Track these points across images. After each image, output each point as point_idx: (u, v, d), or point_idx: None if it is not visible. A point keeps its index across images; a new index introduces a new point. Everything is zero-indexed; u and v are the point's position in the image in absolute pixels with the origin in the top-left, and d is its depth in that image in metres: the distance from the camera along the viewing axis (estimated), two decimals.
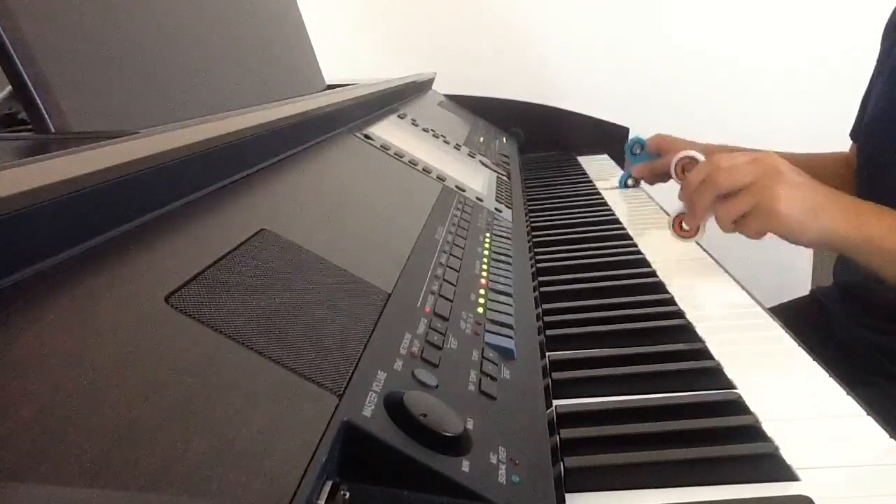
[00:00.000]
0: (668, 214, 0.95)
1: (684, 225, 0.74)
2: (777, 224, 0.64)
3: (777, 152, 1.07)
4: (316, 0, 1.30)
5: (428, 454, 0.29)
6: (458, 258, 0.58)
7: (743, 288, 0.68)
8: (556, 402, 0.46)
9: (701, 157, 0.78)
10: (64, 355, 0.25)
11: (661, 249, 0.78)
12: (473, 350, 0.43)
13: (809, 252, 1.42)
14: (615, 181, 1.22)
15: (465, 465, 0.30)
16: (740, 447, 0.39)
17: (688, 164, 0.83)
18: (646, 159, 1.13)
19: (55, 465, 0.20)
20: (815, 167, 1.04)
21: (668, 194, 1.13)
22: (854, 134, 0.98)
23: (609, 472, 0.38)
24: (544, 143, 1.54)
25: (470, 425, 0.34)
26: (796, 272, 1.50)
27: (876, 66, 0.93)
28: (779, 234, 0.66)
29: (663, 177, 1.14)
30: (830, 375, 0.50)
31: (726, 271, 0.72)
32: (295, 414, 0.27)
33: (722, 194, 0.66)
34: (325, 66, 1.03)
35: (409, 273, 0.48)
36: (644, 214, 1.00)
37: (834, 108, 1.62)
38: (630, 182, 1.16)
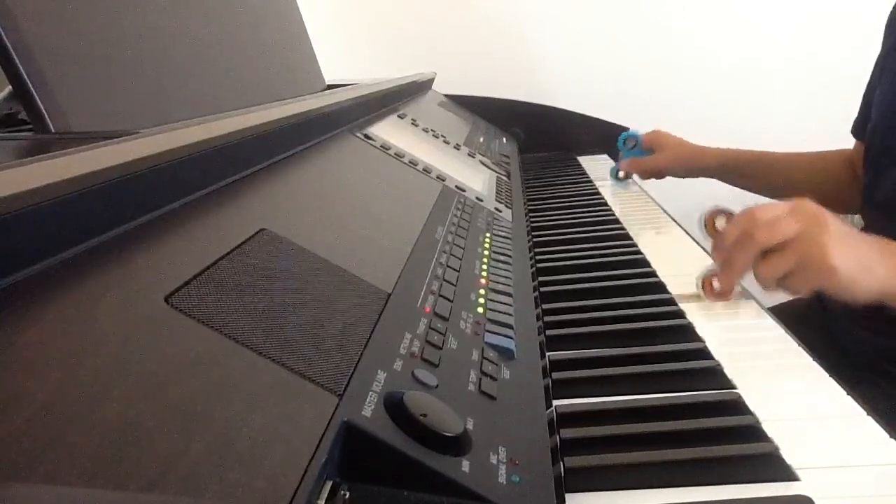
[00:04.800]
0: (666, 213, 0.95)
1: (716, 285, 0.65)
2: (830, 280, 0.57)
3: (782, 153, 1.07)
4: (316, 0, 1.30)
5: (428, 454, 0.29)
6: (458, 258, 0.57)
7: (742, 287, 0.68)
8: (556, 402, 0.46)
9: (733, 210, 0.67)
10: (64, 355, 0.25)
11: (660, 250, 0.78)
12: (473, 350, 0.43)
13: None
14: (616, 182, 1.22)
15: (465, 465, 0.30)
16: (740, 447, 0.39)
17: (719, 217, 0.71)
18: (637, 154, 1.13)
19: (55, 465, 0.20)
20: (820, 166, 1.04)
21: (664, 191, 1.13)
22: (856, 131, 0.97)
23: (609, 472, 0.38)
24: (544, 143, 1.54)
25: (470, 425, 0.34)
26: None
27: (877, 63, 0.92)
28: (830, 290, 0.59)
29: (653, 174, 1.15)
30: (830, 375, 0.50)
31: (688, 233, 0.72)
32: (295, 414, 0.27)
33: (763, 250, 0.59)
34: (325, 66, 1.03)
35: (409, 273, 0.48)
36: (638, 207, 1.00)
37: (833, 105, 1.62)
38: (620, 175, 1.17)
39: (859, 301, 0.59)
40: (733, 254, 0.61)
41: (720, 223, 0.68)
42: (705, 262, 0.76)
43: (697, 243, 0.86)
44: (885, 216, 0.84)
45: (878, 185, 0.85)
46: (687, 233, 0.87)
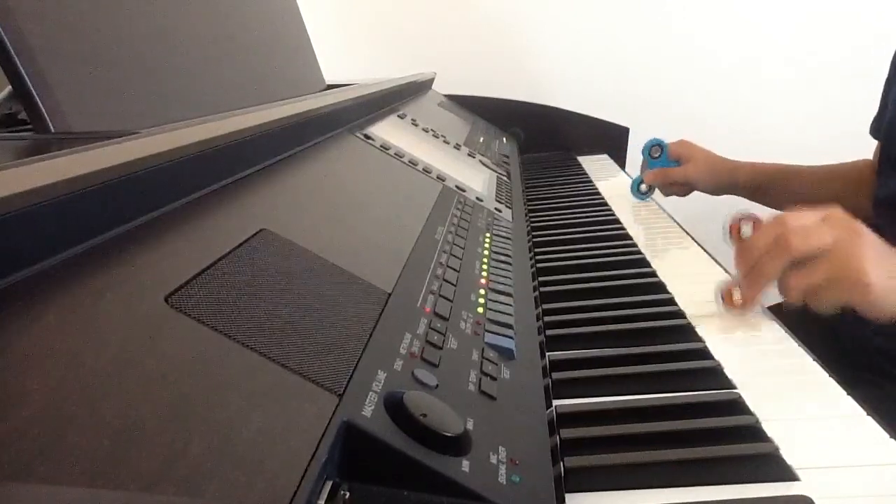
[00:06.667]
0: (678, 225, 0.92)
1: (736, 295, 0.60)
2: (863, 297, 0.54)
3: (803, 166, 1.04)
4: (316, 0, 1.30)
5: (428, 454, 0.29)
6: (458, 258, 0.57)
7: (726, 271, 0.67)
8: (556, 402, 0.46)
9: (759, 216, 0.63)
10: (64, 355, 0.25)
11: (659, 250, 0.78)
12: (473, 350, 0.43)
13: None
14: (616, 182, 1.21)
15: (465, 465, 0.30)
16: (740, 447, 0.39)
17: (747, 222, 0.64)
18: (664, 165, 1.04)
19: (55, 465, 0.20)
20: (843, 178, 1.02)
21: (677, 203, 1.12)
22: (874, 131, 0.97)
23: (609, 472, 0.38)
24: (544, 143, 1.54)
25: (470, 425, 0.34)
26: None
27: (893, 62, 0.91)
28: (861, 306, 0.55)
29: (678, 187, 1.06)
30: (830, 375, 0.50)
31: (725, 270, 0.72)
32: (295, 414, 0.27)
33: (793, 261, 0.56)
34: (325, 66, 1.03)
35: (409, 273, 0.48)
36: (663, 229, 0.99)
37: (834, 105, 1.62)
38: (643, 188, 1.06)
39: (887, 318, 0.55)
40: (763, 262, 0.57)
41: (746, 230, 0.63)
42: (700, 255, 0.75)
43: (691, 237, 0.85)
44: (890, 213, 0.84)
45: (888, 182, 0.85)
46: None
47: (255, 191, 0.49)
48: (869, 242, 0.55)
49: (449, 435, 0.31)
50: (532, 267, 0.74)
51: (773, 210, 1.06)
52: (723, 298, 0.61)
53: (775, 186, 1.04)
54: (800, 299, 0.56)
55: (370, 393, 0.31)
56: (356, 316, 0.38)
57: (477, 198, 0.83)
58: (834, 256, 0.55)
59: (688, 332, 0.56)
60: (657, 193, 1.09)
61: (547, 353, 0.52)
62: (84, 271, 0.30)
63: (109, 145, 0.36)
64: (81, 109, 0.46)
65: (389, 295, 0.43)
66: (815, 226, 0.56)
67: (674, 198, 1.10)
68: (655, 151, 1.05)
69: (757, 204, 1.06)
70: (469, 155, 1.07)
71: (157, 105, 0.54)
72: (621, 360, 0.51)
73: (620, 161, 1.48)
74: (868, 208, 0.91)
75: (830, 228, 0.55)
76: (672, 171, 1.04)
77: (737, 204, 1.07)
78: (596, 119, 1.52)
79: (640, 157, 1.09)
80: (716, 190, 1.07)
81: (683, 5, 1.68)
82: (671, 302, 0.62)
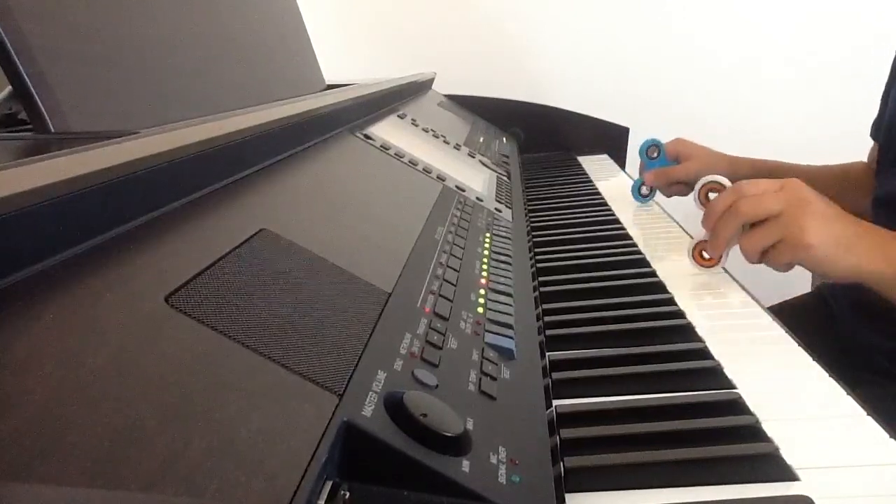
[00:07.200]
0: (687, 234, 0.92)
1: (705, 254, 0.71)
2: (806, 257, 0.62)
3: (804, 165, 1.04)
4: (316, 0, 1.30)
5: (428, 454, 0.29)
6: (458, 258, 0.57)
7: (742, 287, 0.68)
8: (556, 402, 0.46)
9: (726, 182, 0.73)
10: (64, 355, 0.25)
11: (658, 250, 0.78)
12: (473, 350, 0.43)
13: None
14: (616, 182, 1.20)
15: (465, 465, 0.30)
16: (740, 447, 0.39)
17: (713, 189, 0.75)
18: (663, 164, 1.03)
19: (55, 465, 0.20)
20: (843, 178, 1.02)
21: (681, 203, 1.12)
22: (874, 132, 0.97)
23: (609, 472, 0.38)
24: (544, 143, 1.54)
25: (470, 425, 0.34)
26: (796, 268, 1.50)
27: (894, 64, 0.91)
28: (808, 266, 0.64)
29: (680, 187, 1.05)
30: (830, 375, 0.50)
31: (724, 270, 0.72)
32: (295, 414, 0.27)
33: (748, 223, 0.64)
34: (325, 66, 1.03)
35: (409, 273, 0.48)
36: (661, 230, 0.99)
37: (834, 105, 1.62)
38: (644, 191, 1.05)
39: (837, 278, 0.64)
40: (720, 224, 0.65)
41: (713, 195, 0.72)
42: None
43: (690, 235, 0.85)
44: (889, 213, 0.84)
45: (887, 183, 0.85)
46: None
47: (255, 191, 0.49)
48: (815, 209, 0.62)
49: (449, 435, 0.31)
50: (532, 267, 0.74)
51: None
52: (693, 257, 0.71)
53: None
54: (755, 259, 0.65)
55: (370, 393, 0.31)
56: (356, 316, 0.38)
57: (477, 198, 0.83)
58: (781, 221, 0.62)
59: (688, 332, 0.56)
60: (657, 194, 1.08)
61: (547, 353, 0.52)
62: (84, 271, 0.30)
63: (109, 145, 0.36)
64: (81, 109, 0.46)
65: (389, 295, 0.43)
66: (767, 193, 0.63)
67: (674, 197, 1.10)
68: (652, 152, 1.04)
69: None
70: (469, 155, 1.07)
71: (157, 105, 0.54)
72: (621, 360, 0.51)
73: (620, 161, 1.48)
74: (865, 208, 0.92)
75: (782, 196, 0.63)
76: (673, 170, 1.03)
77: None
78: (596, 119, 1.52)
79: (640, 158, 1.08)
80: None
81: (683, 5, 1.68)
82: (671, 302, 0.62)
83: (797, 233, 0.61)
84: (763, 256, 0.64)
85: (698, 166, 1.04)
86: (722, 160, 1.06)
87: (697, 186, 0.76)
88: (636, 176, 1.07)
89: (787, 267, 0.64)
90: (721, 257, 0.70)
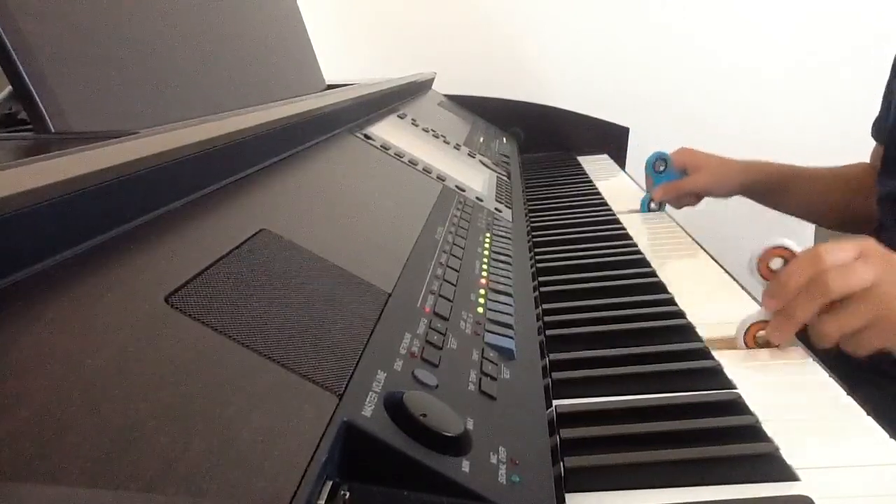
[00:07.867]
0: (689, 235, 0.91)
1: (760, 336, 0.55)
2: None
3: (809, 167, 1.04)
4: (316, 0, 1.30)
5: (428, 454, 0.29)
6: (458, 258, 0.57)
7: (742, 287, 0.68)
8: (556, 402, 0.46)
9: (796, 248, 0.56)
10: (64, 355, 0.25)
11: (656, 248, 0.78)
12: (473, 350, 0.43)
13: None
14: (616, 182, 1.20)
15: (465, 465, 0.30)
16: (740, 447, 0.39)
17: (779, 255, 0.57)
18: (671, 178, 0.99)
19: (55, 465, 0.20)
20: (847, 180, 1.02)
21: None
22: (876, 133, 0.96)
23: (609, 472, 0.38)
24: (544, 143, 1.54)
25: (470, 425, 0.34)
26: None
27: (894, 65, 0.91)
28: None
29: (691, 198, 1.02)
30: (830, 375, 0.50)
31: (724, 269, 0.72)
32: (295, 414, 0.27)
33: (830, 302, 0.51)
34: (325, 66, 1.03)
35: (409, 273, 0.48)
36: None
37: (834, 105, 1.62)
38: (653, 206, 1.01)
39: None
40: (796, 303, 0.52)
41: (775, 264, 0.57)
42: (699, 255, 0.75)
43: (687, 233, 0.84)
44: (894, 211, 0.84)
45: (891, 182, 0.85)
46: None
47: (255, 191, 0.49)
48: None
49: (449, 435, 0.31)
50: (532, 267, 0.74)
51: (776, 211, 1.06)
52: (745, 337, 0.56)
53: (782, 189, 1.03)
54: (835, 343, 0.52)
55: (370, 393, 0.31)
56: (356, 316, 0.38)
57: (477, 198, 0.83)
58: (875, 297, 0.50)
59: (688, 332, 0.56)
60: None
61: (547, 353, 0.52)
62: (84, 271, 0.30)
63: (109, 145, 0.36)
64: (81, 109, 0.46)
65: (389, 295, 0.43)
66: (853, 263, 0.51)
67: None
68: (659, 165, 1.01)
69: (758, 204, 1.06)
70: (469, 155, 1.07)
71: (157, 105, 0.54)
72: (621, 360, 0.51)
73: (620, 161, 1.48)
74: (871, 209, 0.92)
75: (870, 266, 0.51)
76: (683, 183, 1.00)
77: (742, 205, 1.07)
78: (596, 119, 1.52)
79: (640, 157, 1.06)
80: (728, 194, 1.04)
81: (683, 5, 1.68)
82: (671, 302, 0.62)
83: None
84: (844, 339, 0.52)
85: (708, 178, 1.01)
86: (733, 168, 1.02)
87: (756, 253, 0.57)
88: (636, 176, 1.08)
89: (873, 351, 0.52)
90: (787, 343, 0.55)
